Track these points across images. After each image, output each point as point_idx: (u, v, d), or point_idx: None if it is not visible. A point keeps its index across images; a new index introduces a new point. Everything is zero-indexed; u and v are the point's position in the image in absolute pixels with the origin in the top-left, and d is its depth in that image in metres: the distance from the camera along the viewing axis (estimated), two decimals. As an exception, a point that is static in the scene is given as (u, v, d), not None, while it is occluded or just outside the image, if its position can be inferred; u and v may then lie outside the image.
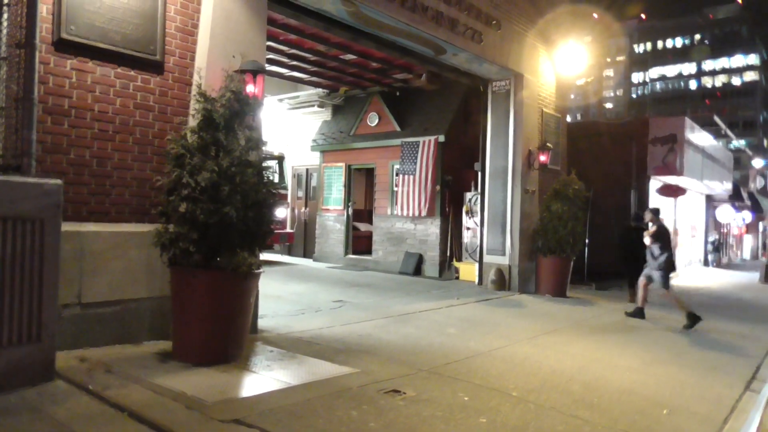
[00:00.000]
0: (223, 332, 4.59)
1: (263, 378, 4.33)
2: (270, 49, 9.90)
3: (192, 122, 5.06)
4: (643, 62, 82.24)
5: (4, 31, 4.21)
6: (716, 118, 31.95)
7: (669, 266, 8.40)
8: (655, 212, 8.84)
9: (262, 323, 5.96)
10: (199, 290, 4.53)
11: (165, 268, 4.72)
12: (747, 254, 34.39)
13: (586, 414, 4.05)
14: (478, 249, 10.97)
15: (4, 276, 3.58)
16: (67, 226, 4.06)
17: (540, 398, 4.32)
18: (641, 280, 8.65)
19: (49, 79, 4.59)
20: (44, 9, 4.51)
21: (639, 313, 8.52)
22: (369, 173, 14.39)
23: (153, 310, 5.08)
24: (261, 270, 4.84)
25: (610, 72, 79.03)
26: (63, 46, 4.66)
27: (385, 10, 7.50)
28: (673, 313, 8.61)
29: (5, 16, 4.22)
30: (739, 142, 43.73)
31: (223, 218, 4.49)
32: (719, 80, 79.96)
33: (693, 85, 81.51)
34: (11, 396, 3.52)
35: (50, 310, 3.79)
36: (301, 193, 15.61)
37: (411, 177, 12.13)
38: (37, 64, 4.21)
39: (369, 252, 13.47)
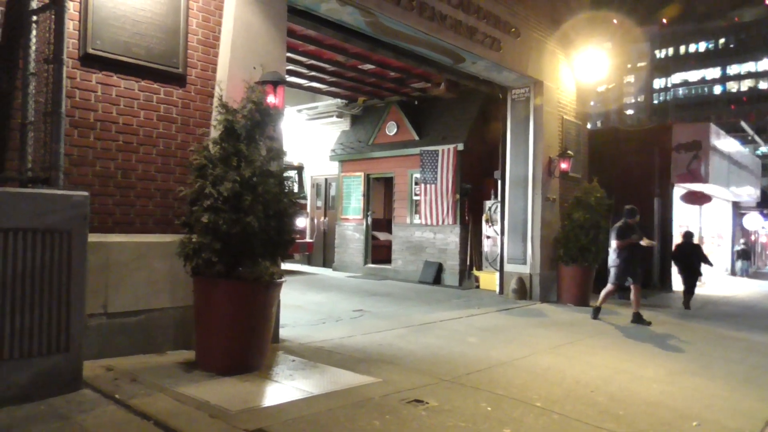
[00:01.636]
0: (246, 342, 4.62)
1: (286, 387, 4.34)
2: (289, 60, 10.00)
3: (214, 133, 5.13)
4: (665, 68, 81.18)
5: (33, 47, 4.33)
6: (743, 124, 31.38)
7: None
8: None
9: (283, 333, 5.98)
10: (222, 300, 4.57)
11: (188, 278, 4.77)
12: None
13: (612, 426, 3.98)
14: (499, 258, 10.90)
15: (34, 287, 3.66)
16: (93, 237, 4.13)
17: (564, 409, 4.26)
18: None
19: (75, 93, 4.70)
20: (71, 25, 4.62)
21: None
22: (388, 182, 14.41)
23: (176, 320, 5.14)
24: (283, 279, 4.87)
25: (631, 78, 78.20)
26: (89, 61, 4.78)
27: (404, 19, 7.54)
28: (702, 322, 8.45)
29: (34, 32, 4.34)
30: (767, 148, 42.85)
31: (245, 228, 4.53)
32: (745, 85, 78.53)
33: (717, 90, 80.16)
34: (41, 404, 3.58)
35: (78, 320, 3.86)
36: (320, 203, 15.69)
37: (431, 186, 12.12)
38: (65, 78, 4.31)
39: (388, 261, 13.47)
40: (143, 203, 5.13)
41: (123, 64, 4.96)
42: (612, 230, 8.82)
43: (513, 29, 9.47)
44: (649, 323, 8.46)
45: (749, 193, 22.30)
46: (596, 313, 8.78)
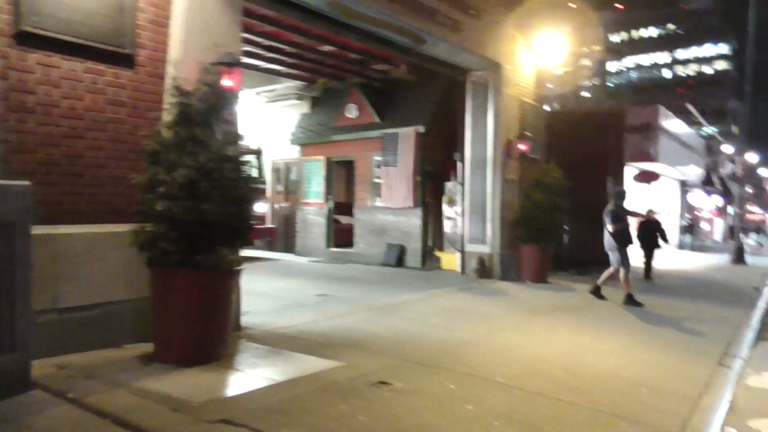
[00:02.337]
0: (206, 331, 4.52)
1: (249, 376, 4.27)
2: (246, 41, 9.71)
3: (167, 117, 4.94)
4: (618, 52, 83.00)
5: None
6: (689, 106, 32.46)
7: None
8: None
9: (245, 320, 5.89)
10: (180, 290, 4.44)
11: (143, 268, 4.61)
12: (718, 237, 35.13)
13: (571, 397, 4.08)
14: (460, 238, 11.00)
15: (-26, 282, 3.45)
16: (38, 230, 3.92)
17: (524, 384, 4.35)
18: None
19: (10, 75, 4.38)
20: (2, -1, 4.31)
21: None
22: (349, 166, 14.30)
23: (134, 312, 4.96)
24: (242, 267, 4.76)
25: (586, 61, 79.72)
26: (24, 39, 4.44)
27: (366, 0, 7.41)
28: (654, 295, 8.74)
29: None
30: (710, 130, 44.55)
31: (202, 215, 4.39)
32: (691, 69, 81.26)
33: (666, 73, 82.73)
34: (-13, 406, 3.41)
35: (24, 317, 3.64)
36: (280, 188, 15.46)
37: (392, 168, 12.09)
38: None
39: (351, 245, 13.42)
40: (93, 192, 4.91)
41: (64, 44, 4.66)
42: (605, 215, 8.67)
43: (472, 11, 9.44)
44: (640, 304, 8.31)
45: (695, 172, 23.18)
46: (632, 300, 8.42)
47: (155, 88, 5.32)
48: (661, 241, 12.42)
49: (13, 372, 3.62)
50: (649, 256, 12.26)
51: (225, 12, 5.76)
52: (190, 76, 5.01)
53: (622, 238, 8.62)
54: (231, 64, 5.45)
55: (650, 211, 12.28)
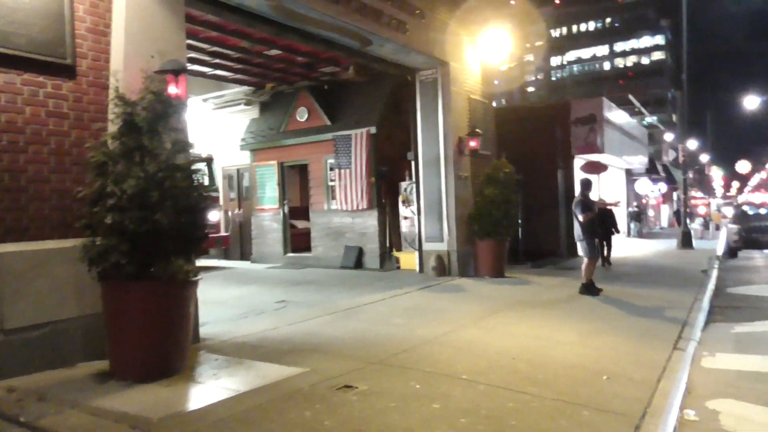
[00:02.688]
0: (164, 344, 4.41)
1: (210, 388, 4.19)
2: (190, 47, 9.54)
3: (112, 128, 4.80)
4: (560, 46, 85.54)
5: None
6: (631, 97, 33.70)
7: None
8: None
9: (204, 331, 5.78)
10: (135, 303, 4.32)
11: (95, 284, 4.47)
12: (665, 223, 36.60)
13: (534, 390, 4.18)
14: (417, 237, 11.09)
15: None
16: (-20, 248, 3.76)
17: (489, 379, 4.42)
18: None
19: (-56, 90, 4.21)
20: (-65, 13, 4.12)
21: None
22: (303, 169, 14.21)
23: (86, 329, 4.80)
24: (199, 276, 4.68)
25: (530, 57, 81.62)
26: (-42, 53, 4.29)
27: (308, 2, 7.39)
28: (605, 283, 9.03)
29: None
30: (651, 119, 46.45)
31: (154, 226, 4.29)
32: (630, 61, 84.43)
33: (607, 66, 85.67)
34: (-69, 437, 3.25)
35: (-32, 340, 3.50)
36: (233, 195, 15.21)
37: (346, 171, 12.08)
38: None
39: (308, 249, 13.33)
40: (37, 207, 4.72)
41: (0, 56, 4.50)
42: (575, 206, 8.81)
43: (417, 11, 9.54)
44: (599, 290, 8.54)
45: (639, 161, 24.07)
46: (590, 288, 8.57)
47: (99, 98, 5.17)
48: (612, 230, 12.94)
49: (-41, 400, 3.46)
50: (607, 245, 12.78)
51: (167, 18, 5.64)
52: (135, 84, 4.89)
53: (591, 228, 8.78)
54: (177, 71, 5.34)
55: (601, 200, 12.70)
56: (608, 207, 9.58)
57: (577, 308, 7.71)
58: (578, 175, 16.58)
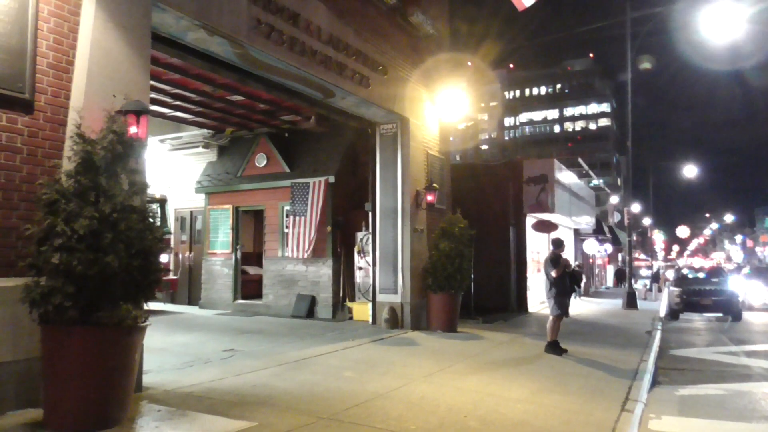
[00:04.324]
0: (104, 393, 4.19)
1: (152, 441, 3.99)
2: (152, 88, 9.47)
3: (67, 165, 4.68)
4: (513, 108, 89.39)
5: None
6: (580, 160, 35.22)
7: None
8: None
9: (147, 379, 5.53)
10: (76, 349, 4.11)
11: (33, 327, 4.25)
12: (610, 282, 37.74)
13: (485, 448, 4.16)
14: (371, 288, 11.06)
15: None
16: None
17: (441, 436, 4.38)
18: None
19: None
20: None
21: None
22: (258, 215, 14.09)
23: (19, 375, 4.51)
24: (147, 323, 4.51)
25: (485, 116, 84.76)
26: None
27: (274, 53, 7.53)
28: (562, 341, 9.13)
29: None
30: (598, 181, 48.63)
31: (103, 269, 4.15)
32: (579, 125, 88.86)
33: (557, 129, 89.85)
34: None
35: None
36: (185, 237, 14.87)
37: (302, 218, 12.05)
38: None
39: (259, 296, 13.07)
40: (-22, 243, 4.51)
41: (-45, 87, 4.39)
42: (547, 263, 8.92)
43: (380, 67, 9.85)
44: (564, 350, 8.56)
45: (587, 221, 24.99)
46: (555, 348, 8.59)
47: (55, 134, 5.05)
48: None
49: None
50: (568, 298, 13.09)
51: (132, 60, 5.63)
52: (95, 123, 4.82)
53: (563, 286, 8.86)
54: (139, 113, 5.30)
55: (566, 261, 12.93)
56: (575, 268, 9.83)
57: (527, 365, 7.79)
58: (530, 233, 17.07)
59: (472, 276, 12.53)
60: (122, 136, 4.59)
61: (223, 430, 4.26)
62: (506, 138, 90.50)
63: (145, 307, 4.61)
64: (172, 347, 7.90)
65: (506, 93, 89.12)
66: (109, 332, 4.18)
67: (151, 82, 8.96)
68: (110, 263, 4.14)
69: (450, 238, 10.82)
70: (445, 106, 11.86)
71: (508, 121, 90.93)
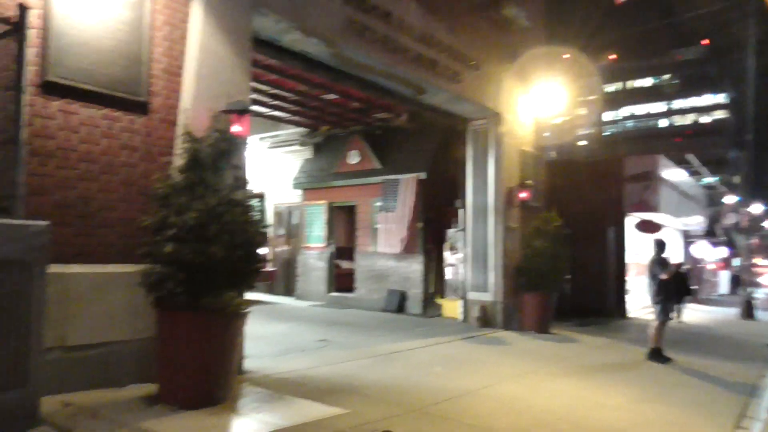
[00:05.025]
0: (211, 374, 4.51)
1: (252, 421, 4.24)
2: (252, 89, 9.97)
3: (178, 162, 5.07)
4: (614, 101, 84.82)
5: (-8, 74, 4.22)
6: (689, 156, 32.89)
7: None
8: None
9: (247, 364, 5.86)
10: (186, 332, 4.46)
11: (149, 309, 4.65)
12: (724, 289, 34.88)
13: (578, 451, 4.04)
14: (462, 286, 11.00)
15: (-11, 320, 3.50)
16: (52, 268, 3.97)
17: (531, 436, 4.30)
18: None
19: (35, 122, 4.57)
20: (32, 51, 4.52)
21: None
22: (350, 211, 14.42)
23: (137, 353, 4.96)
24: (248, 310, 4.79)
25: (583, 110, 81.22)
26: (49, 89, 4.67)
27: (367, 51, 7.68)
28: (667, 349, 8.56)
29: (-7, 58, 4.23)
30: (711, 179, 44.98)
31: (209, 258, 4.46)
32: (689, 119, 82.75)
33: (663, 123, 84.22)
34: (-8, 444, 3.40)
35: (35, 354, 3.69)
36: (282, 231, 15.54)
37: (392, 214, 12.20)
38: (24, 106, 4.20)
39: (351, 290, 13.40)
40: (104, 233, 4.99)
41: (84, 92, 4.87)
42: (655, 264, 8.47)
43: (472, 62, 9.75)
44: (668, 359, 8.07)
45: (697, 222, 23.28)
46: (658, 355, 8.13)
47: (167, 133, 5.48)
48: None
49: (23, 407, 3.65)
50: (678, 305, 12.81)
51: (234, 62, 5.98)
52: (201, 122, 5.18)
53: (667, 290, 8.37)
54: (241, 112, 5.63)
55: (679, 265, 12.26)
56: (681, 269, 9.34)
57: (626, 372, 7.43)
58: (631, 233, 16.21)
59: (568, 276, 12.11)
60: (225, 134, 4.91)
61: (318, 415, 4.43)
62: (606, 133, 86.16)
63: (246, 296, 4.91)
64: (270, 335, 8.30)
65: (607, 86, 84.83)
66: (214, 317, 4.49)
67: (251, 83, 9.48)
68: (215, 253, 4.45)
69: (544, 236, 10.52)
70: (540, 101, 11.53)
71: (609, 115, 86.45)
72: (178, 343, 4.47)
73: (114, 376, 4.81)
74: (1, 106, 4.18)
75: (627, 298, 15.34)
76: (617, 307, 14.90)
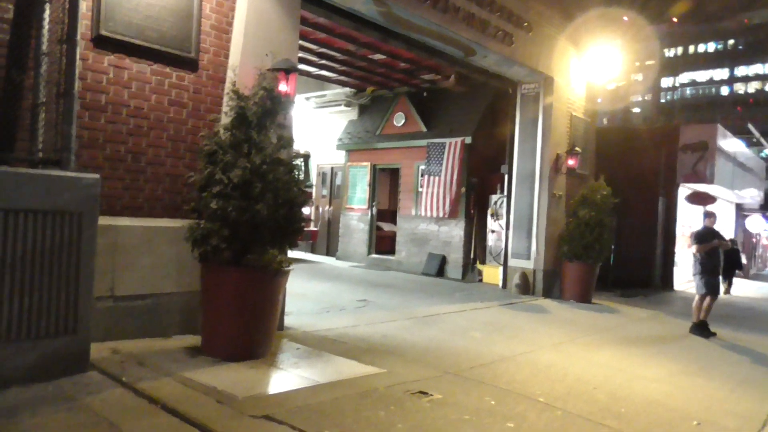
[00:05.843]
0: (252, 329, 4.64)
1: (291, 375, 4.36)
2: (299, 47, 9.92)
3: (225, 120, 5.11)
4: (673, 67, 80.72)
5: (46, 27, 4.30)
6: (750, 126, 31.24)
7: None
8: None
9: (287, 320, 6.00)
10: (230, 287, 4.58)
11: (194, 264, 4.78)
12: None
13: (614, 423, 4.00)
14: (503, 252, 10.90)
15: (43, 268, 3.67)
16: (101, 220, 4.12)
17: (567, 405, 4.28)
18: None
19: (87, 75, 4.67)
20: (84, 5, 4.57)
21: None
22: (394, 173, 14.39)
23: (182, 305, 5.14)
24: (290, 268, 4.87)
25: (639, 76, 77.75)
26: (101, 43, 4.74)
27: (417, 10, 7.49)
28: (712, 324, 8.35)
29: (47, 11, 4.31)
30: (771, 151, 42.74)
31: (254, 215, 4.52)
32: (752, 87, 78.12)
33: (724, 91, 79.79)
34: (48, 385, 3.60)
35: (86, 302, 3.87)
36: (325, 192, 15.68)
37: (436, 178, 12.10)
38: (78, 59, 4.29)
39: (392, 252, 13.48)
40: (152, 188, 5.12)
41: (135, 47, 4.93)
42: (693, 236, 8.29)
43: (525, 24, 9.40)
44: (712, 333, 7.88)
45: (752, 195, 22.25)
46: (702, 329, 7.92)
47: (215, 91, 5.52)
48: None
49: (74, 353, 3.85)
50: (727, 280, 12.78)
51: (283, 20, 5.93)
52: (248, 80, 5.19)
53: (710, 263, 8.10)
54: (288, 70, 5.61)
55: (733, 241, 11.94)
56: (732, 246, 9.08)
57: (667, 344, 7.28)
58: (682, 205, 15.64)
59: (613, 247, 11.84)
60: (272, 92, 4.89)
61: (355, 373, 4.51)
62: (662, 100, 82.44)
63: (288, 254, 4.99)
64: (310, 293, 8.47)
65: (666, 50, 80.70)
66: (257, 273, 4.58)
67: (300, 42, 9.42)
68: (259, 211, 4.50)
69: (590, 205, 10.26)
70: (593, 65, 11.08)
71: (667, 81, 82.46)
72: (221, 297, 4.59)
73: (159, 327, 5.01)
74: (54, 59, 4.28)
75: (675, 270, 14.94)
76: (664, 280, 14.55)
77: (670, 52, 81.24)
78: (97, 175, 3.99)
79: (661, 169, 14.59)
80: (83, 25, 4.56)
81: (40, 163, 4.14)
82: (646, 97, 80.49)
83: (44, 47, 4.25)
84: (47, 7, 4.29)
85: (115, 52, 4.83)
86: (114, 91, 4.84)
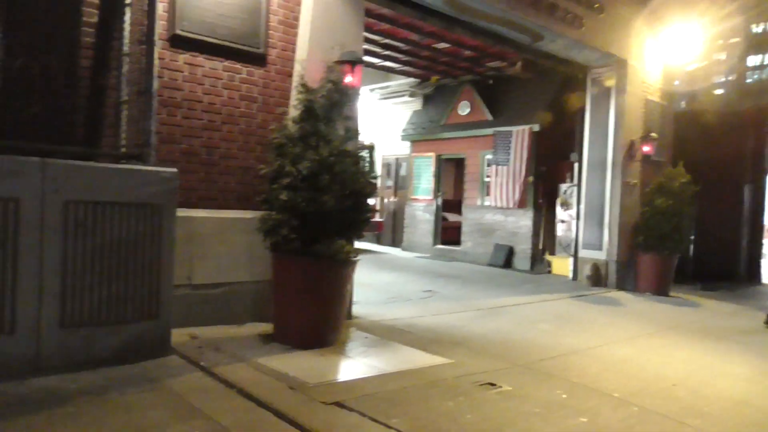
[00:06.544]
0: (322, 317, 4.74)
1: (360, 364, 4.43)
2: (364, 39, 9.99)
3: (293, 113, 5.23)
4: (761, 44, 75.27)
5: (127, 29, 4.54)
6: None
7: None
8: None
9: (355, 310, 6.09)
10: (300, 276, 4.69)
11: (265, 253, 4.93)
12: None
13: (697, 422, 3.80)
14: (573, 243, 10.58)
15: (128, 257, 3.90)
16: (179, 212, 4.33)
17: (643, 402, 4.11)
18: None
19: (164, 74, 4.89)
20: (160, 7, 4.79)
21: None
22: (459, 163, 14.25)
23: (254, 294, 5.33)
24: (358, 258, 4.94)
25: (721, 56, 73.22)
26: (176, 42, 4.96)
27: (482, -4, 7.35)
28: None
29: (128, 15, 4.54)
30: None
31: (321, 206, 4.61)
32: None
33: (819, 68, 73.65)
34: (134, 367, 3.84)
35: (167, 289, 4.09)
36: (390, 183, 15.74)
37: (503, 167, 11.88)
38: (156, 59, 4.50)
39: (457, 243, 13.37)
40: (225, 180, 5.32)
41: (208, 45, 5.12)
42: None
43: (597, 5, 9.02)
44: None
45: None
46: None
47: (283, 85, 5.65)
48: None
49: (157, 337, 4.09)
50: None
51: (348, 12, 5.98)
52: (315, 73, 5.27)
53: None
54: (354, 63, 5.65)
55: None
56: None
57: (755, 341, 6.83)
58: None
59: (692, 237, 11.23)
60: (338, 84, 4.96)
61: (422, 363, 4.53)
62: (749, 81, 77.17)
63: (355, 245, 5.05)
64: (377, 284, 8.55)
65: (753, 26, 75.33)
66: (325, 263, 4.67)
67: (364, 34, 9.47)
68: (327, 201, 4.59)
69: (668, 193, 9.76)
70: (671, 45, 10.49)
71: (753, 60, 77.03)
72: (291, 286, 4.72)
73: (234, 314, 5.22)
74: (135, 59, 4.50)
75: (762, 262, 14.01)
76: (750, 272, 13.65)
77: (757, 28, 75.79)
78: (175, 169, 4.19)
79: (748, 154, 13.66)
80: (161, 25, 4.79)
81: (122, 158, 4.39)
82: (730, 78, 75.62)
83: (125, 48, 4.49)
84: (128, 10, 4.52)
85: (189, 50, 5.03)
86: (189, 88, 5.05)
